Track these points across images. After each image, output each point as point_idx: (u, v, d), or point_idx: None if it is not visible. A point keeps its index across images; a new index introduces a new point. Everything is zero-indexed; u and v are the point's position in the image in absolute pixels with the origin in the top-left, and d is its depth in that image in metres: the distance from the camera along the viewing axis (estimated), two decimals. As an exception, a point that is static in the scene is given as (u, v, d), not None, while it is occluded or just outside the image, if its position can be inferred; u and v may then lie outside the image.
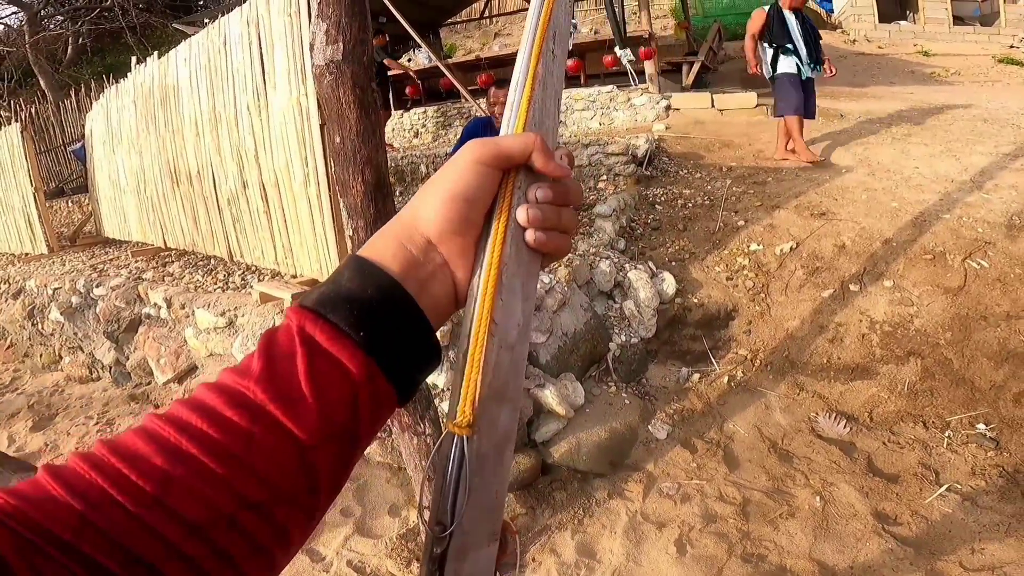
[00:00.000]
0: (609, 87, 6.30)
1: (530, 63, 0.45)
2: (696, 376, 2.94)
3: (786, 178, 4.08)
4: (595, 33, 10.76)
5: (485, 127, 3.91)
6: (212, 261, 3.99)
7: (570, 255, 3.22)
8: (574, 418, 2.54)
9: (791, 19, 4.69)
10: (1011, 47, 10.59)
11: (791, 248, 3.45)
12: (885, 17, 12.50)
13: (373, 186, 1.46)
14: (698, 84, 6.76)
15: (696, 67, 6.68)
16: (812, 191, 3.80)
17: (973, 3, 12.71)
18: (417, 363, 0.39)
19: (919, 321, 2.97)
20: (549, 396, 2.55)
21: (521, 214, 0.40)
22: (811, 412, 2.67)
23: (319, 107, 2.36)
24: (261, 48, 2.89)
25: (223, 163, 3.32)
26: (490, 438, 0.38)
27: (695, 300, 3.31)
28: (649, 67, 6.07)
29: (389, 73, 7.33)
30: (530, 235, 0.40)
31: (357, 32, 1.57)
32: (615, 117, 6.24)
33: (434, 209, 0.40)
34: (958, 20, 12.28)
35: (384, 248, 0.39)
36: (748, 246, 3.54)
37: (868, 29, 12.06)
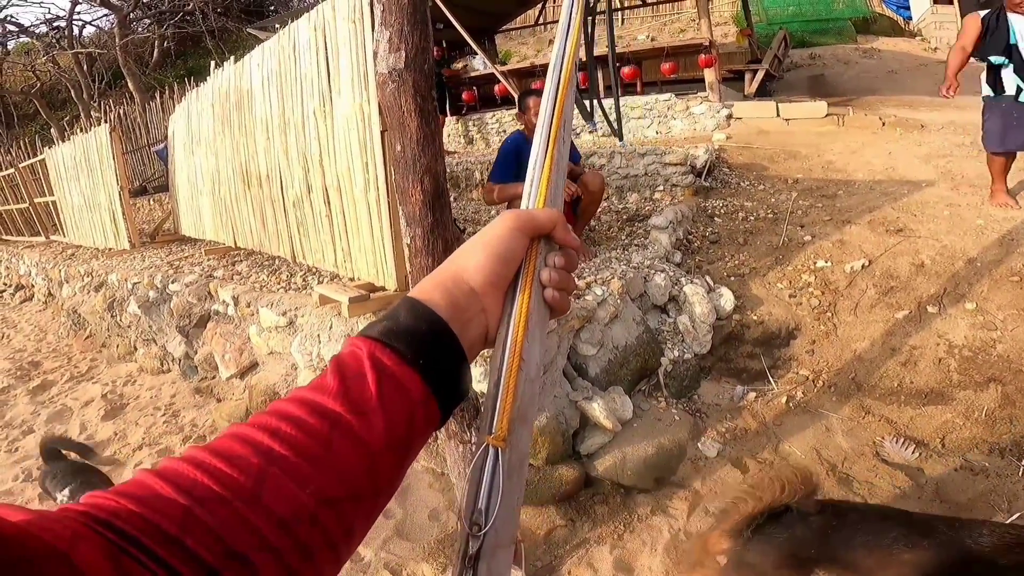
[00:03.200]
0: (667, 95, 6.20)
1: (548, 150, 0.54)
2: (752, 395, 2.83)
3: (859, 191, 3.89)
4: (652, 40, 10.64)
5: (526, 142, 3.88)
6: (276, 261, 4.15)
7: (624, 267, 3.18)
8: (621, 432, 2.49)
9: (1019, 26, 3.73)
10: None
11: (863, 266, 3.29)
12: None
13: (432, 194, 1.48)
14: (762, 92, 6.57)
15: (760, 75, 6.49)
16: (888, 206, 3.61)
17: None
18: (456, 391, 0.45)
19: (1002, 346, 2.76)
20: (597, 409, 2.51)
21: (544, 275, 0.49)
22: (877, 436, 2.53)
23: (380, 114, 2.42)
24: (327, 53, 2.99)
25: (290, 167, 3.46)
26: (516, 452, 0.45)
27: (754, 317, 3.20)
28: (709, 75, 5.93)
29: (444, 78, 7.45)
30: (548, 293, 0.49)
31: (419, 40, 1.61)
32: (673, 126, 6.13)
33: (478, 264, 0.48)
34: None
35: (434, 291, 0.46)
36: (815, 263, 3.39)
37: (950, 36, 11.49)
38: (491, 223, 0.50)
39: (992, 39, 3.80)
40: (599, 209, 3.76)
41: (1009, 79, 3.76)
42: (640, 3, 9.93)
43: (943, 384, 2.72)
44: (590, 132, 5.78)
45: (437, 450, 2.54)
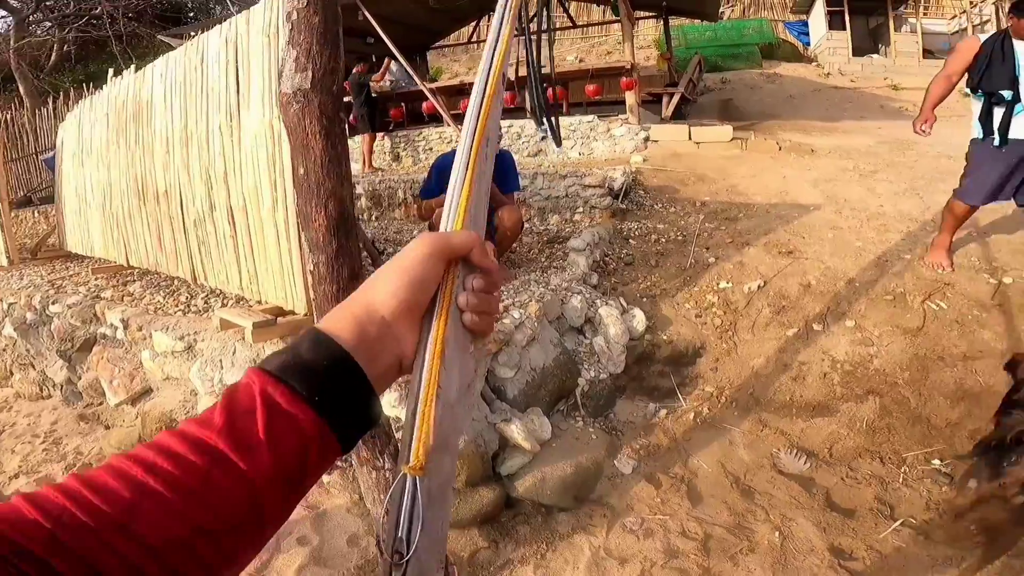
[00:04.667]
0: (591, 116, 6.37)
1: (468, 168, 0.53)
2: (663, 412, 2.94)
3: (757, 214, 4.17)
4: (580, 61, 11.00)
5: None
6: (175, 282, 3.90)
7: (542, 290, 3.24)
8: (540, 452, 2.51)
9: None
10: None
11: (759, 286, 3.52)
12: (859, 51, 12.98)
13: (337, 220, 1.44)
14: (677, 115, 6.87)
15: (676, 98, 6.81)
16: (781, 228, 3.89)
17: (943, 36, 13.27)
18: (361, 422, 0.45)
19: (878, 361, 3.03)
20: (515, 431, 2.52)
21: (461, 299, 0.49)
22: (773, 448, 2.69)
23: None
24: (238, 68, 2.87)
25: (191, 183, 3.27)
26: (437, 479, 0.45)
27: (664, 337, 3.34)
28: (630, 98, 6.17)
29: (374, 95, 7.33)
30: (467, 317, 0.49)
31: (327, 61, 1.58)
32: (595, 147, 6.31)
33: (391, 291, 0.47)
34: (928, 53, 12.74)
35: (341, 322, 0.46)
36: (718, 283, 3.59)
37: (842, 62, 12.46)
38: (406, 247, 0.49)
39: (994, 70, 3.25)
40: (520, 234, 3.82)
41: (1015, 119, 3.24)
42: (571, 25, 10.25)
43: (828, 397, 2.94)
44: (515, 153, 5.88)
45: (353, 475, 2.45)
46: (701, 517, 2.25)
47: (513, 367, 2.81)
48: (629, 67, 6.22)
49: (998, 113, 3.28)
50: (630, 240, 4.09)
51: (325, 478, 2.48)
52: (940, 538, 2.16)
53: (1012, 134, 3.26)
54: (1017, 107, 3.23)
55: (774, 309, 3.41)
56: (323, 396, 0.43)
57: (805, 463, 2.59)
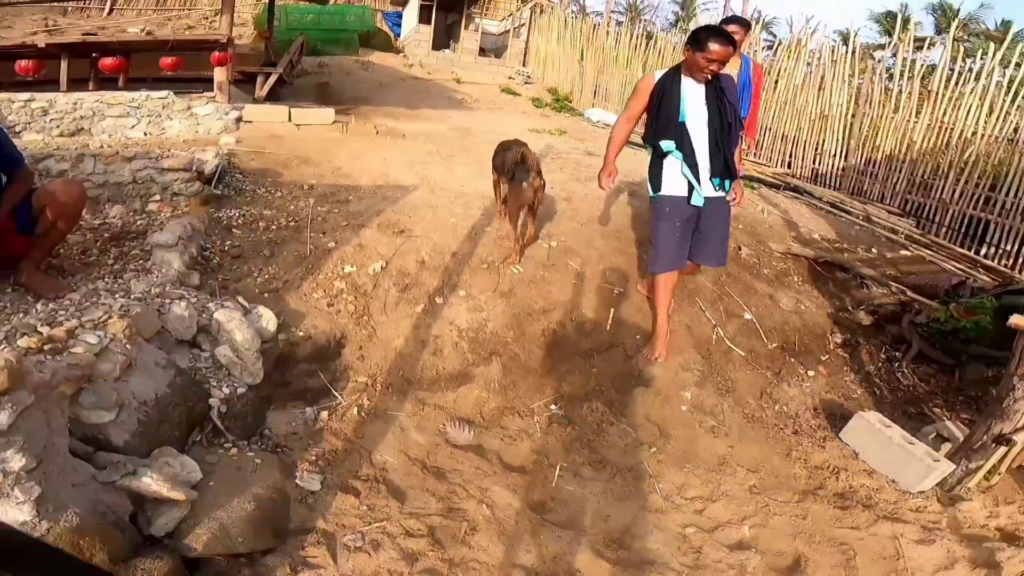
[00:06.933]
0: (164, 92, 5.29)
1: None
2: (324, 413, 2.63)
3: (366, 196, 4.13)
4: (148, 34, 9.10)
5: None
6: None
7: (124, 301, 2.43)
8: (199, 497, 1.88)
9: (694, 95, 2.93)
10: (509, 78, 13.53)
11: (382, 267, 3.51)
12: (437, 45, 14.47)
13: None
14: (272, 97, 6.44)
15: (273, 79, 6.35)
16: (390, 209, 3.96)
17: (493, 36, 16.03)
18: None
19: (491, 324, 3.45)
20: (151, 482, 1.82)
21: None
22: (439, 425, 2.76)
23: None
24: None
25: None
26: None
27: (301, 333, 2.98)
28: (220, 74, 5.42)
29: None
30: None
31: None
32: (169, 127, 5.19)
33: None
34: (482, 51, 15.15)
35: None
36: (343, 268, 3.41)
37: (423, 55, 13.74)
38: None
39: (662, 113, 2.96)
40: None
41: (674, 172, 3.01)
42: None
43: (464, 364, 3.21)
44: (38, 132, 4.32)
45: None
46: (415, 512, 2.12)
47: (110, 407, 2.02)
48: (225, 41, 5.43)
49: (666, 165, 3.04)
50: (234, 230, 3.46)
51: None
52: (589, 474, 2.65)
53: (672, 190, 3.05)
54: (680, 157, 3.00)
55: (400, 288, 3.47)
56: None
57: (469, 432, 2.76)
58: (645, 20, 25.26)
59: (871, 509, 2.67)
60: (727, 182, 3.07)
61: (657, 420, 3.08)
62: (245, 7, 12.78)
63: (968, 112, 6.51)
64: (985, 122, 6.33)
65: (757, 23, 10.27)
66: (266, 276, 3.23)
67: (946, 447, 2.97)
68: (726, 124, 2.97)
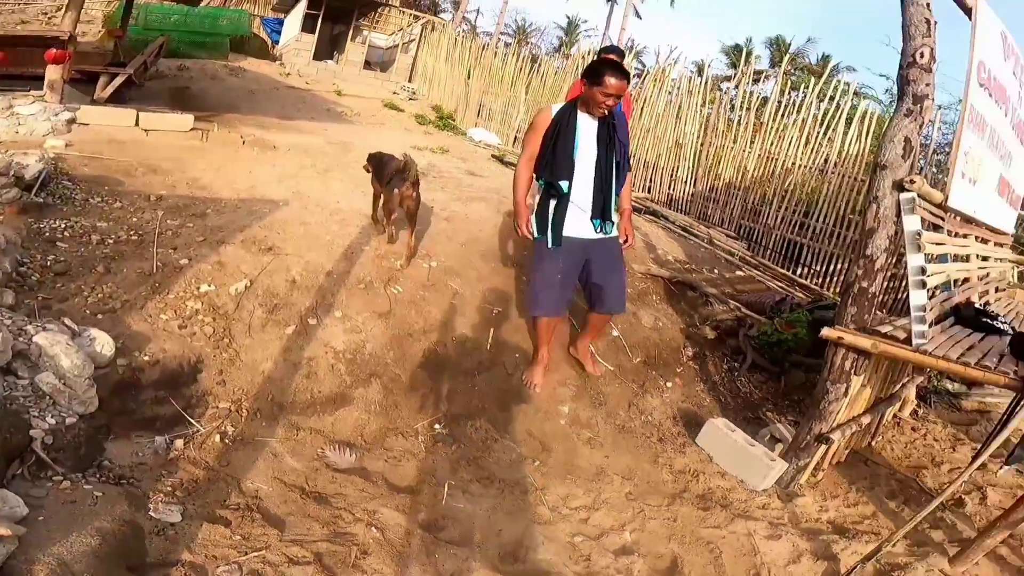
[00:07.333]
0: None
1: None
2: (179, 442, 2.30)
3: (227, 210, 3.78)
4: None
5: None
6: None
7: None
8: (28, 533, 1.55)
9: (588, 132, 2.86)
10: (394, 93, 13.07)
11: (246, 287, 3.23)
12: (320, 55, 13.76)
13: None
14: (119, 100, 5.74)
15: (119, 80, 5.69)
16: (256, 225, 3.67)
17: (380, 50, 15.40)
18: None
19: (370, 345, 3.31)
20: (-42, 526, 1.46)
21: None
22: (317, 449, 2.56)
23: None
24: None
25: None
26: None
27: (146, 357, 2.62)
28: (53, 72, 4.88)
29: None
30: None
31: None
32: None
33: None
34: (368, 64, 14.58)
35: None
36: (198, 287, 3.08)
37: (303, 64, 13.03)
38: None
39: (558, 150, 2.84)
40: None
41: (563, 213, 2.90)
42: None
43: (342, 387, 3.02)
44: None
45: None
46: (297, 538, 1.91)
47: None
48: (66, 37, 4.84)
49: (557, 206, 2.91)
50: (59, 243, 2.98)
51: None
52: (477, 491, 2.60)
53: (567, 231, 2.92)
54: (568, 194, 2.88)
55: (267, 308, 3.21)
56: None
57: (351, 455, 2.59)
58: (531, 43, 26.22)
59: (727, 508, 2.89)
60: (607, 224, 3.00)
61: (539, 434, 3.13)
62: (95, 4, 11.34)
63: (790, 143, 7.11)
64: (802, 153, 7.05)
65: (630, 52, 10.51)
66: (100, 295, 2.81)
67: (779, 447, 3.34)
68: (614, 164, 2.91)
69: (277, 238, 3.65)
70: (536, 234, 3.01)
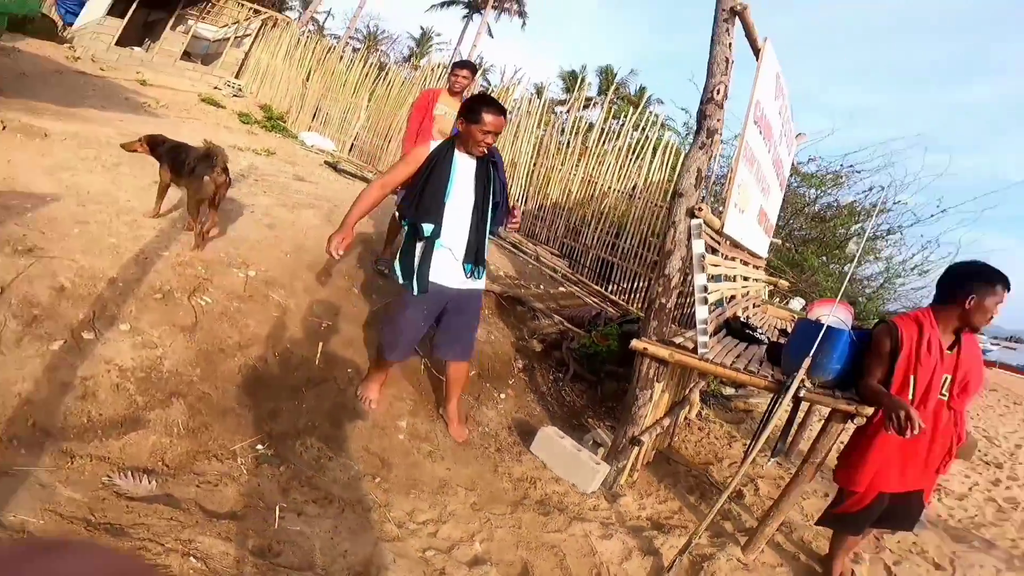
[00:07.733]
0: None
1: None
2: None
3: None
4: None
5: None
6: None
7: None
8: None
9: (465, 172, 2.69)
10: (215, 88, 11.38)
11: (-6, 291, 2.51)
12: (128, 41, 11.96)
13: None
14: None
15: None
16: (12, 222, 2.89)
17: (206, 42, 13.10)
18: None
19: (169, 362, 2.79)
20: None
21: None
22: (102, 478, 2.03)
23: None
24: None
25: None
26: None
27: None
28: None
29: None
30: None
31: None
32: None
33: None
34: (186, 55, 12.72)
35: None
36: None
37: (101, 49, 11.21)
38: None
39: (427, 189, 2.65)
40: None
41: (430, 259, 2.70)
42: None
43: (132, 409, 2.48)
44: None
45: None
46: None
47: None
48: None
49: (424, 251, 2.73)
50: None
51: None
52: (322, 513, 2.28)
53: (434, 277, 2.75)
54: (438, 242, 2.71)
55: (24, 320, 2.53)
56: None
57: (150, 482, 2.10)
58: (381, 51, 25.01)
59: (564, 512, 2.95)
60: (479, 268, 2.83)
61: (377, 451, 2.90)
62: None
63: (607, 169, 7.65)
64: (616, 178, 7.68)
65: (479, 69, 10.64)
66: None
67: (601, 451, 3.56)
68: (490, 205, 2.80)
69: (41, 238, 2.94)
70: (400, 279, 2.79)
